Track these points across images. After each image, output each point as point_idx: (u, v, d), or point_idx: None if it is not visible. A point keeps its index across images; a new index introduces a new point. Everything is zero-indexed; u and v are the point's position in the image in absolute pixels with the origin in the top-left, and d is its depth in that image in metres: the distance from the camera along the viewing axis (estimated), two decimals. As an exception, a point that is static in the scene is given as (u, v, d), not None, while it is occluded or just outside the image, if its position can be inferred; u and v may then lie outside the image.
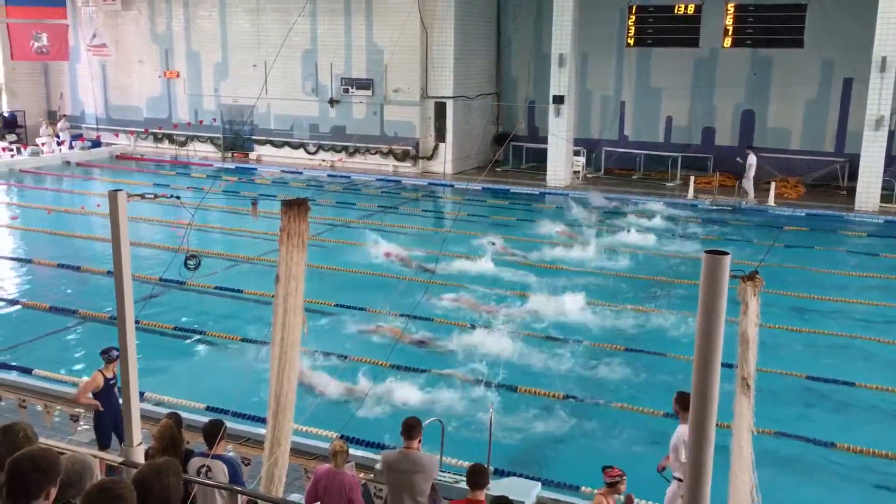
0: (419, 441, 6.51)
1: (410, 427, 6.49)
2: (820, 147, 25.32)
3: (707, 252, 3.33)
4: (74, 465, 3.56)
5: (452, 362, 11.37)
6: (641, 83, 27.29)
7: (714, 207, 22.41)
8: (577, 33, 24.64)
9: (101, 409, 8.37)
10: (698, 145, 26.21)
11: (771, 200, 22.39)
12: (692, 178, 23.64)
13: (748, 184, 22.95)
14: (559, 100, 24.75)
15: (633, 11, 26.84)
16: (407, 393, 10.14)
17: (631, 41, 27.08)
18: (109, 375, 8.44)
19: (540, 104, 27.04)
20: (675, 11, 26.37)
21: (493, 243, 17.50)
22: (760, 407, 4.75)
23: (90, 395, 8.40)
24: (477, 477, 6.06)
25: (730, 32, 25.82)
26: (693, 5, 26.04)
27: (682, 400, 6.94)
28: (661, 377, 10.91)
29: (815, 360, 11.76)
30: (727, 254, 3.33)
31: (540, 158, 26.23)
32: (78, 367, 11.12)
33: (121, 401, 6.28)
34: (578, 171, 26.23)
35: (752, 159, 23.04)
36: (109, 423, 8.37)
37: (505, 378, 10.74)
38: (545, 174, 25.36)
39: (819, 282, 15.56)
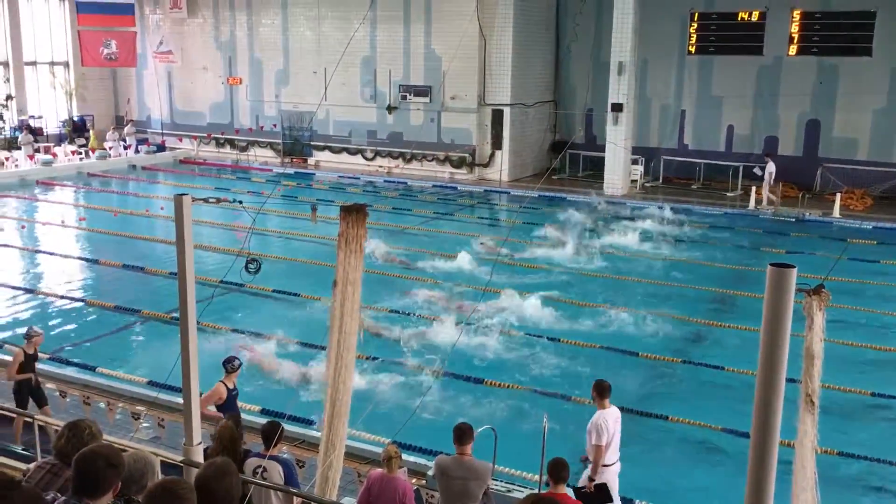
0: (471, 447, 6.50)
1: (462, 432, 6.48)
2: (888, 158, 24.55)
3: (772, 265, 3.25)
4: (136, 462, 3.64)
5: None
6: (702, 91, 26.86)
7: (776, 218, 21.92)
8: (636, 41, 24.39)
9: (223, 420, 7.76)
10: (760, 155, 25.65)
11: (836, 212, 21.79)
12: (753, 189, 23.15)
13: (766, 190, 22.73)
14: (618, 108, 24.51)
15: (696, 19, 26.45)
16: (460, 399, 10.13)
17: (692, 49, 26.68)
18: (231, 386, 8.24)
19: (598, 112, 26.82)
20: (739, 18, 25.89)
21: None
22: (825, 425, 4.61)
23: (213, 407, 8.09)
24: (560, 470, 6.12)
25: (795, 40, 25.24)
26: (757, 12, 25.53)
27: (598, 387, 7.74)
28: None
29: (881, 377, 11.40)
30: (793, 267, 3.24)
31: (597, 166, 26.01)
32: (140, 366, 11.38)
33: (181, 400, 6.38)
34: (636, 180, 25.93)
35: (771, 167, 22.88)
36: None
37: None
38: (602, 182, 25.14)
39: (887, 296, 15.10)
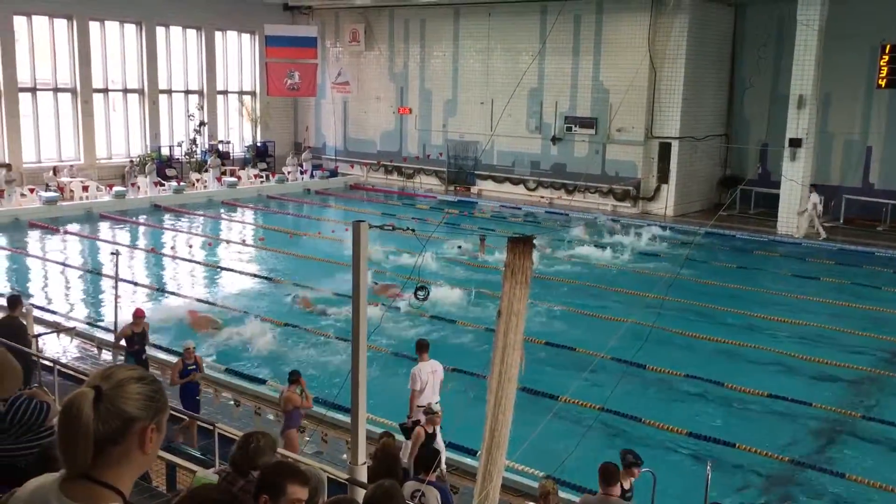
0: (619, 486, 6.37)
1: (610, 473, 6.36)
2: None
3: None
4: (312, 479, 3.82)
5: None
6: (892, 127, 25.03)
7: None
8: (819, 73, 23.13)
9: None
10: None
11: None
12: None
13: (805, 222, 23.03)
14: (796, 143, 23.30)
15: (887, 51, 24.72)
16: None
17: (882, 82, 24.89)
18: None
19: (773, 147, 25.61)
20: (936, 50, 23.99)
21: (460, 247, 18.30)
22: None
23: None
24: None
25: None
26: (958, 43, 23.57)
27: (418, 346, 9.67)
28: None
29: None
30: None
31: (770, 204, 24.79)
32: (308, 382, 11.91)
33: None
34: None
35: (814, 198, 22.96)
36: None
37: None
38: (775, 221, 23.92)
39: None
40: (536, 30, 28.00)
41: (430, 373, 9.52)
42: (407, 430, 8.80)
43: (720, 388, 11.98)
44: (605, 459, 8.85)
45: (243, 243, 22.18)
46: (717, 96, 27.60)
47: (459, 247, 18.63)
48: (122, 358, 11.28)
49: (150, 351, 11.82)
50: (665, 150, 26.17)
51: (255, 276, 18.57)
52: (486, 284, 16.56)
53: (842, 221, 24.98)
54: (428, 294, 8.00)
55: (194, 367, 10.25)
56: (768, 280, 19.20)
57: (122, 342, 11.14)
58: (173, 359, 11.38)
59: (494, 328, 5.74)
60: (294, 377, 9.46)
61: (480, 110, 29.52)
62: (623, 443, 10.16)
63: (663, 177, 26.35)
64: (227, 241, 22.00)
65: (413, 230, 6.60)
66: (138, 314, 11.18)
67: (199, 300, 16.12)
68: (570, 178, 27.76)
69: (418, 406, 9.25)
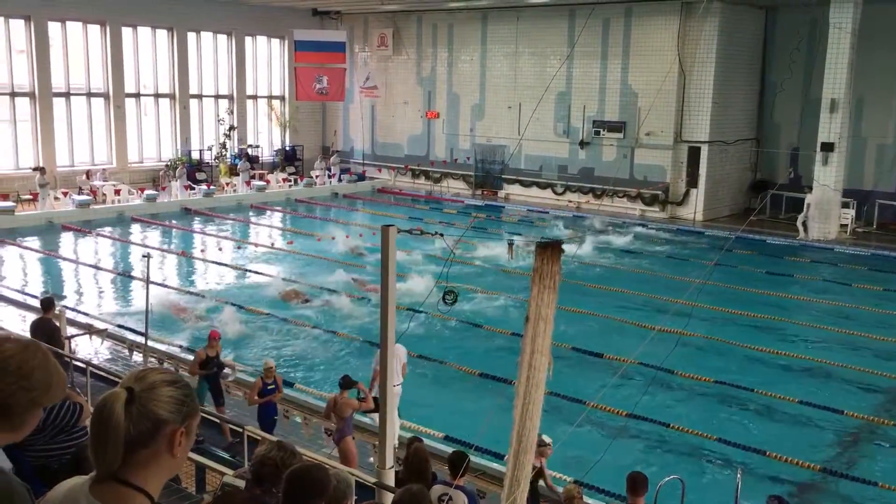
0: (644, 497, 6.34)
1: (636, 482, 6.31)
2: None
3: None
4: (340, 483, 3.84)
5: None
6: (927, 131, 24.64)
7: None
8: (851, 77, 22.82)
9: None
10: None
11: None
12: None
13: (800, 223, 23.14)
14: (828, 147, 23.00)
15: (921, 53, 24.36)
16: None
17: (917, 85, 24.56)
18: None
19: (804, 151, 25.29)
20: (973, 52, 23.58)
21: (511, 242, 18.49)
22: None
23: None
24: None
25: None
26: None
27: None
28: None
29: None
30: None
31: (800, 209, 24.48)
32: (333, 384, 11.96)
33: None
34: (846, 224, 24.14)
35: (809, 198, 23.02)
36: None
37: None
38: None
39: None
40: (564, 34, 27.93)
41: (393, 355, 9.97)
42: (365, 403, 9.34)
43: (750, 393, 11.85)
44: (632, 466, 8.82)
45: (272, 247, 22.32)
46: (748, 100, 27.33)
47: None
48: (154, 360, 11.38)
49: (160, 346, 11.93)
50: (694, 154, 25.96)
51: (282, 279, 18.68)
52: (514, 290, 16.54)
53: (875, 226, 24.61)
54: (456, 299, 7.99)
55: (274, 386, 9.77)
56: (799, 285, 18.99)
57: (198, 366, 10.41)
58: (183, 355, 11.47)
59: (522, 333, 5.73)
60: (349, 382, 9.20)
61: (508, 114, 29.49)
62: (650, 448, 10.07)
63: (692, 181, 26.14)
64: (256, 245, 22.15)
65: (441, 234, 6.61)
66: (213, 336, 10.63)
67: (231, 303, 16.25)
68: (598, 182, 27.63)
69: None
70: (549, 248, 5.95)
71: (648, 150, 26.63)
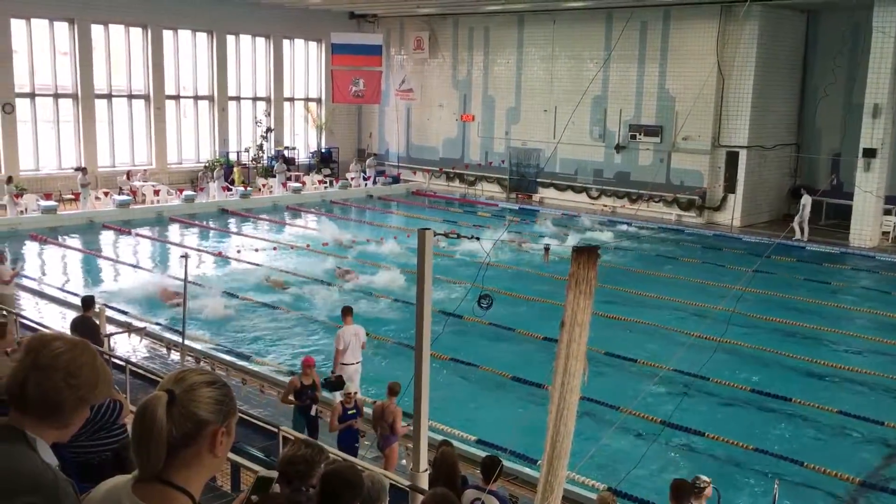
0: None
1: (680, 490, 6.24)
2: None
3: None
4: (374, 484, 3.85)
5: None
6: (974, 137, 24.02)
7: None
8: (895, 82, 22.39)
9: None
10: None
11: None
12: None
13: (797, 224, 23.12)
14: (870, 153, 22.59)
15: (968, 57, 23.78)
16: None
17: (963, 90, 23.98)
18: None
19: (846, 157, 24.86)
20: None
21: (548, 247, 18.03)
22: None
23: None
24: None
25: None
26: None
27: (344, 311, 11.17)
28: None
29: None
30: None
31: (841, 215, 24.08)
32: (370, 386, 12.02)
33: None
34: (888, 232, 23.68)
35: (805, 199, 23.25)
36: None
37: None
38: (847, 232, 23.22)
39: None
40: (601, 37, 27.78)
41: (353, 335, 10.84)
42: (331, 384, 9.60)
43: (788, 403, 11.67)
44: (666, 474, 8.73)
45: (307, 248, 22.46)
46: (788, 105, 26.94)
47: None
48: (191, 360, 11.46)
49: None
50: (732, 159, 25.65)
51: (315, 281, 18.80)
52: (549, 294, 16.46)
53: (919, 234, 24.11)
54: (491, 303, 7.96)
55: (355, 412, 9.17)
56: (839, 293, 18.66)
57: (291, 397, 9.66)
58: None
59: (557, 338, 5.69)
60: (396, 388, 8.93)
61: (543, 118, 29.40)
62: (684, 456, 9.98)
63: (730, 186, 25.82)
64: (292, 246, 22.31)
65: (478, 238, 6.60)
66: (308, 363, 9.80)
67: (262, 304, 16.39)
68: (634, 186, 27.42)
69: (342, 364, 10.69)
70: (586, 254, 5.94)
71: (686, 154, 26.37)
